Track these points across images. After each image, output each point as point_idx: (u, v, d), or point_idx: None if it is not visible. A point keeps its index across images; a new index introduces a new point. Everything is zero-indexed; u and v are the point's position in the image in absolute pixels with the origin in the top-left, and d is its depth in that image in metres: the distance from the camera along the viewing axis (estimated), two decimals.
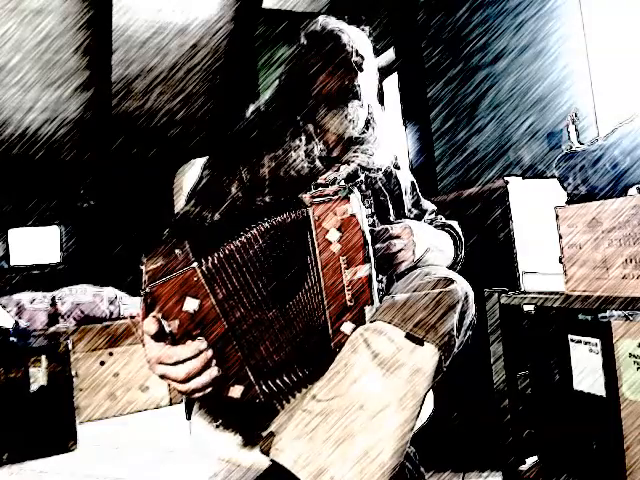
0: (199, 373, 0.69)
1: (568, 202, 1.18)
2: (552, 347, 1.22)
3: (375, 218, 0.98)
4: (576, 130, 1.26)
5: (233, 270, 0.70)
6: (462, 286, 0.81)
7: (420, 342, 0.74)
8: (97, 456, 2.09)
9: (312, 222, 0.73)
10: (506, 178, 1.55)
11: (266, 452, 0.74)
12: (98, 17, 4.15)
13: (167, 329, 0.67)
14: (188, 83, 4.90)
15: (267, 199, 0.99)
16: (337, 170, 1.03)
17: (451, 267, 1.07)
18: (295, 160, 1.01)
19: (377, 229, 0.91)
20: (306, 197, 0.76)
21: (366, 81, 1.07)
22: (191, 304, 0.67)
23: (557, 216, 1.12)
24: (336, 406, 0.71)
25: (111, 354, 2.71)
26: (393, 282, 0.93)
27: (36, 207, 5.47)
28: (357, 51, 1.05)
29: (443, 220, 1.20)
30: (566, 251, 1.10)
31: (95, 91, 4.79)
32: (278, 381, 0.76)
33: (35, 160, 5.28)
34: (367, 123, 1.12)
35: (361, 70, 1.05)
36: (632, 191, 1.05)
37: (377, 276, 0.78)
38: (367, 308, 0.76)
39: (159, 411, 2.74)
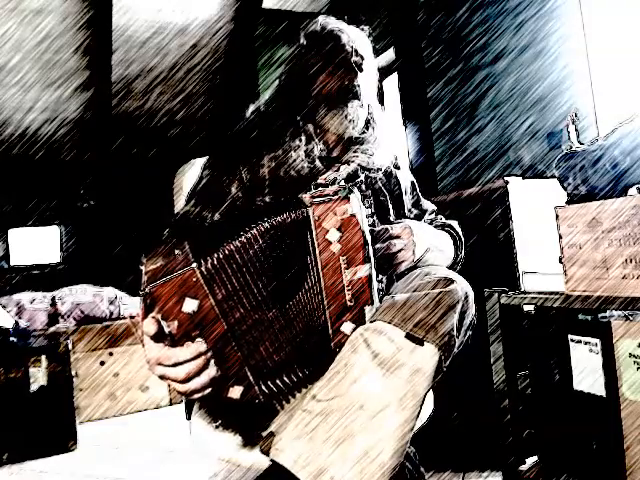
0: (198, 374, 0.69)
1: (568, 202, 1.18)
2: (552, 347, 1.22)
3: (375, 218, 0.98)
4: (576, 130, 1.26)
5: (233, 270, 0.70)
6: (462, 286, 0.81)
7: (420, 342, 0.74)
8: (97, 456, 2.09)
9: (312, 222, 0.73)
10: (506, 178, 1.54)
11: (266, 452, 0.74)
12: (98, 17, 4.15)
13: (166, 330, 0.67)
14: (188, 83, 4.91)
15: (267, 199, 0.99)
16: (337, 170, 1.03)
17: (451, 267, 1.07)
18: (295, 160, 1.01)
19: (377, 229, 0.91)
20: (306, 197, 0.75)
21: (366, 81, 1.07)
22: (190, 305, 0.67)
23: (557, 216, 1.12)
24: (336, 406, 0.71)
25: (111, 354, 2.71)
26: (393, 282, 0.93)
27: (36, 207, 5.47)
28: (357, 51, 1.05)
29: (443, 220, 1.20)
30: (566, 251, 1.10)
31: (95, 91, 4.79)
32: (278, 381, 0.76)
33: (35, 160, 5.28)
34: (367, 123, 1.12)
35: (361, 70, 1.05)
36: (632, 191, 1.05)
37: (377, 276, 0.78)
38: (367, 308, 0.76)
39: (159, 411, 2.74)
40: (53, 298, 2.85)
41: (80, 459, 2.07)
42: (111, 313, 2.89)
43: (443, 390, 1.09)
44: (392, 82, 3.43)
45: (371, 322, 0.76)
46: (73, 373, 2.26)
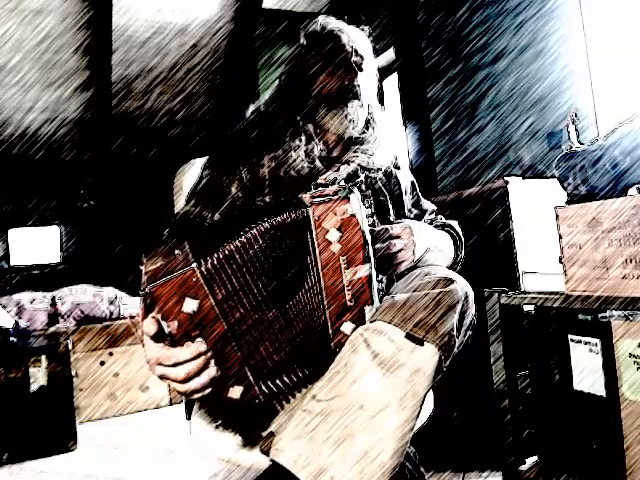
0: (198, 374, 0.69)
1: (568, 202, 1.18)
2: (552, 347, 1.22)
3: (375, 218, 0.98)
4: (576, 130, 1.26)
5: (233, 270, 0.70)
6: (462, 286, 0.81)
7: (420, 342, 0.74)
8: (97, 456, 2.09)
9: (312, 222, 0.73)
10: (506, 178, 1.54)
11: (266, 452, 0.74)
12: (98, 17, 4.15)
13: (166, 330, 0.67)
14: (188, 83, 4.91)
15: (267, 199, 0.99)
16: (337, 170, 1.03)
17: (451, 267, 1.07)
18: (295, 160, 1.01)
19: (377, 229, 0.91)
20: (306, 197, 0.75)
21: (366, 81, 1.07)
22: (190, 305, 0.67)
23: (557, 216, 1.12)
24: (336, 406, 0.71)
25: (111, 354, 2.71)
26: (393, 282, 0.93)
27: (36, 207, 5.47)
28: (357, 51, 1.05)
29: (443, 220, 1.20)
30: (566, 251, 1.10)
31: (95, 91, 4.79)
32: (278, 381, 0.76)
33: (35, 160, 5.29)
34: (367, 123, 1.12)
35: (361, 70, 1.05)
36: (632, 191, 1.05)
37: (377, 276, 0.78)
38: (367, 308, 0.76)
39: (159, 411, 2.74)
40: (53, 298, 2.85)
41: (80, 459, 2.07)
42: (111, 313, 2.89)
43: (443, 390, 1.09)
44: (392, 82, 3.43)
45: (371, 322, 0.76)
46: (73, 373, 2.26)
